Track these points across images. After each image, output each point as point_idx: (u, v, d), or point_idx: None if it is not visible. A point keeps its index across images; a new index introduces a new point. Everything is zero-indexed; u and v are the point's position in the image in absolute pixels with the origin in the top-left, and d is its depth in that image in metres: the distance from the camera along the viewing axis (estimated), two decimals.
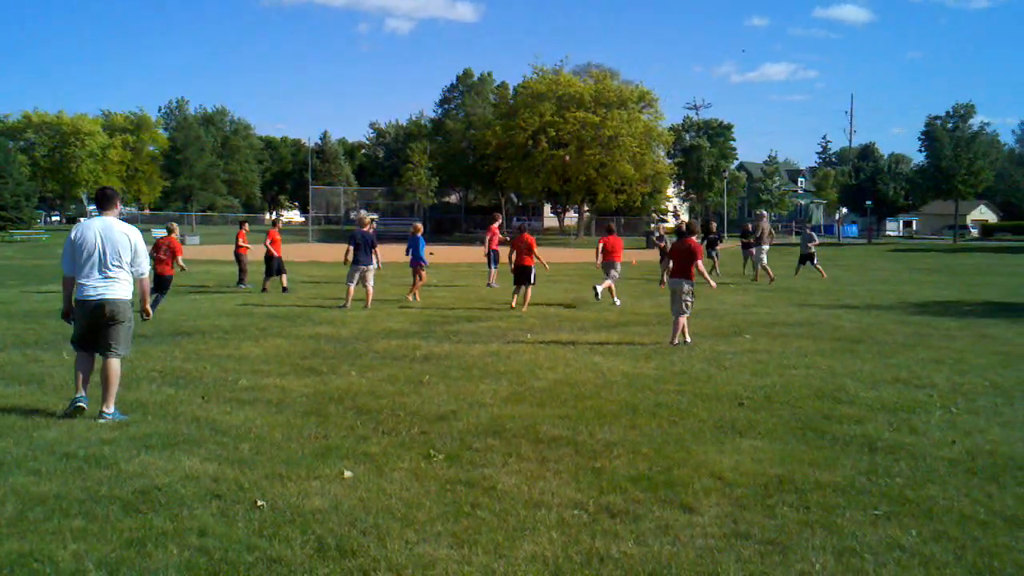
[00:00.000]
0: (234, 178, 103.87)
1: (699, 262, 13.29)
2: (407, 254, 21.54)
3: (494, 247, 25.40)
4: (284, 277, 22.63)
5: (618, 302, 19.44)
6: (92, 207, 59.45)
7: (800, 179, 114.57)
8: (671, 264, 13.55)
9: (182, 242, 25.16)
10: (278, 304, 19.02)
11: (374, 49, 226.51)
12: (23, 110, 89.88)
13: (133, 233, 8.26)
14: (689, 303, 13.35)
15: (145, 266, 8.34)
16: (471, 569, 4.68)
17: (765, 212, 33.71)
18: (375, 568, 4.68)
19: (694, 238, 13.77)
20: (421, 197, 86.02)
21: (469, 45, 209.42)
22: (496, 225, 26.13)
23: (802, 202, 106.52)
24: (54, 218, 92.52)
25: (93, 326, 8.15)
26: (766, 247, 28.63)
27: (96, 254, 8.03)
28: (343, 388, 9.60)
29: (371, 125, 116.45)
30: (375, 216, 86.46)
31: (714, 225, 32.16)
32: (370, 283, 18.58)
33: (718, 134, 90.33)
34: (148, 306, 8.74)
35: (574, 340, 13.63)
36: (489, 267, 25.45)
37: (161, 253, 18.03)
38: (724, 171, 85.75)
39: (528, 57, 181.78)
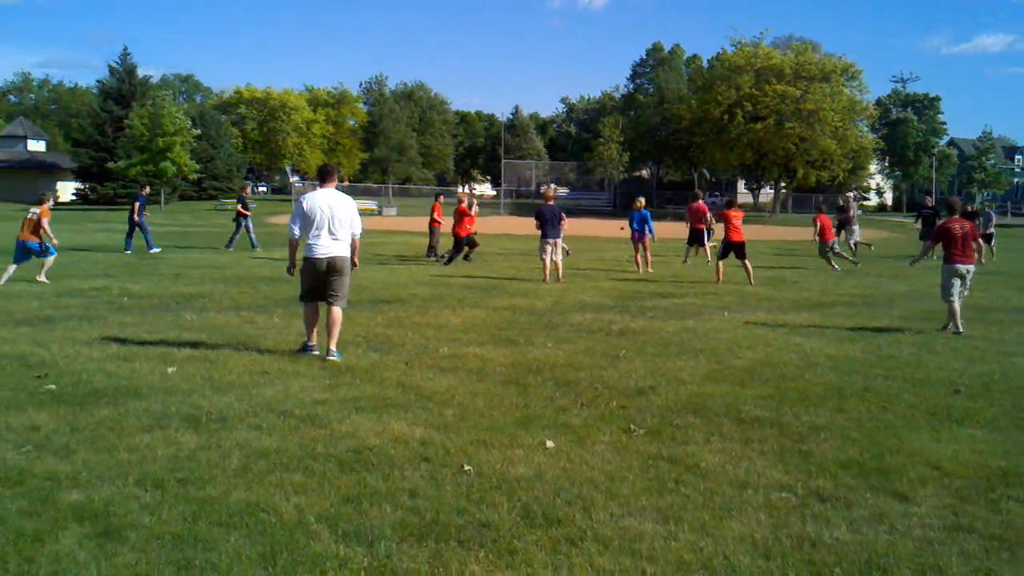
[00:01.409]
0: (429, 151, 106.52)
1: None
2: (631, 227, 22.32)
3: (699, 226, 24.71)
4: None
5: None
6: (295, 178, 62.90)
7: (1017, 156, 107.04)
8: (960, 246, 12.29)
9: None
10: (472, 275, 19.41)
11: (567, 24, 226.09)
12: (236, 85, 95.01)
13: (350, 202, 9.75)
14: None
15: (359, 228, 9.82)
16: (678, 545, 4.63)
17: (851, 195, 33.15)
18: (582, 538, 4.70)
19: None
20: (612, 172, 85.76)
21: (664, 18, 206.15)
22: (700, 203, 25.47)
23: (1019, 181, 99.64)
24: (260, 188, 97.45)
25: (322, 280, 9.55)
26: (856, 227, 29.19)
27: (324, 219, 9.45)
28: (541, 359, 9.70)
29: (562, 100, 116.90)
30: (558, 188, 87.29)
31: (929, 201, 31.03)
32: (559, 256, 18.71)
33: (925, 107, 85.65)
34: (356, 259, 10.07)
35: (773, 320, 13.27)
36: (691, 245, 25.07)
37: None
38: (933, 147, 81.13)
39: (724, 30, 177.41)
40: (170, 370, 8.62)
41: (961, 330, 12.05)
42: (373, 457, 6.02)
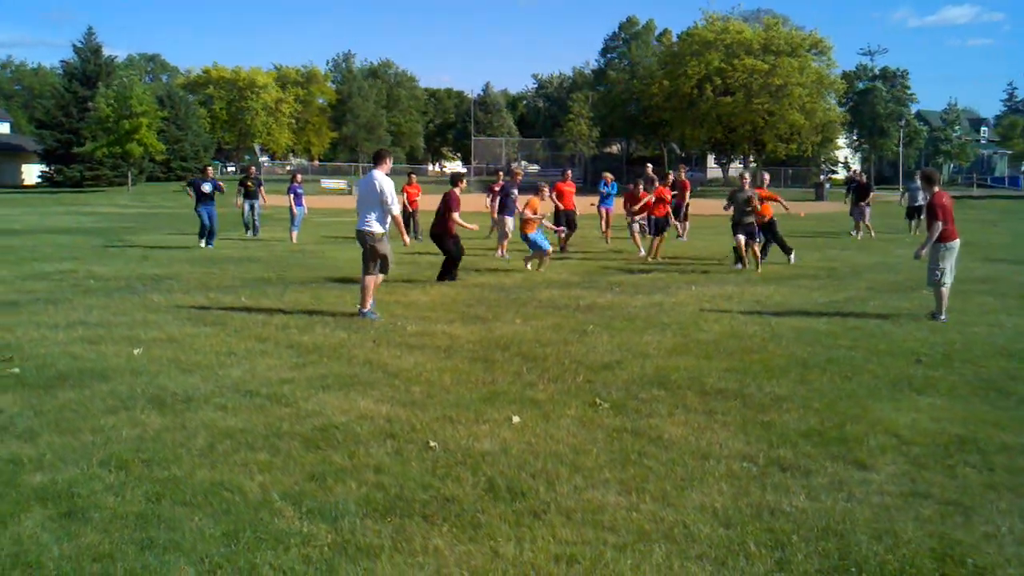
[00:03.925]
0: (399, 129, 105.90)
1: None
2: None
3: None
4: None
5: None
6: (265, 158, 62.31)
7: (983, 128, 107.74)
8: (947, 223, 11.09)
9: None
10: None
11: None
12: (204, 65, 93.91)
13: (388, 184, 10.75)
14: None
15: (396, 207, 10.80)
16: (640, 516, 4.69)
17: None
18: (545, 510, 4.75)
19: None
20: (582, 148, 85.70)
21: None
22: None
23: (985, 152, 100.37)
24: (230, 168, 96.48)
25: (363, 250, 10.94)
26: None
27: (368, 198, 10.76)
28: (508, 336, 9.73)
29: (533, 76, 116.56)
30: (527, 165, 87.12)
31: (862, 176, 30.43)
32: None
33: (893, 81, 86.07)
34: (406, 236, 11.75)
35: (739, 294, 13.37)
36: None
37: None
38: (901, 118, 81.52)
39: (698, 2, 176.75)
40: (136, 352, 8.59)
41: (945, 317, 11.03)
42: (339, 434, 6.04)
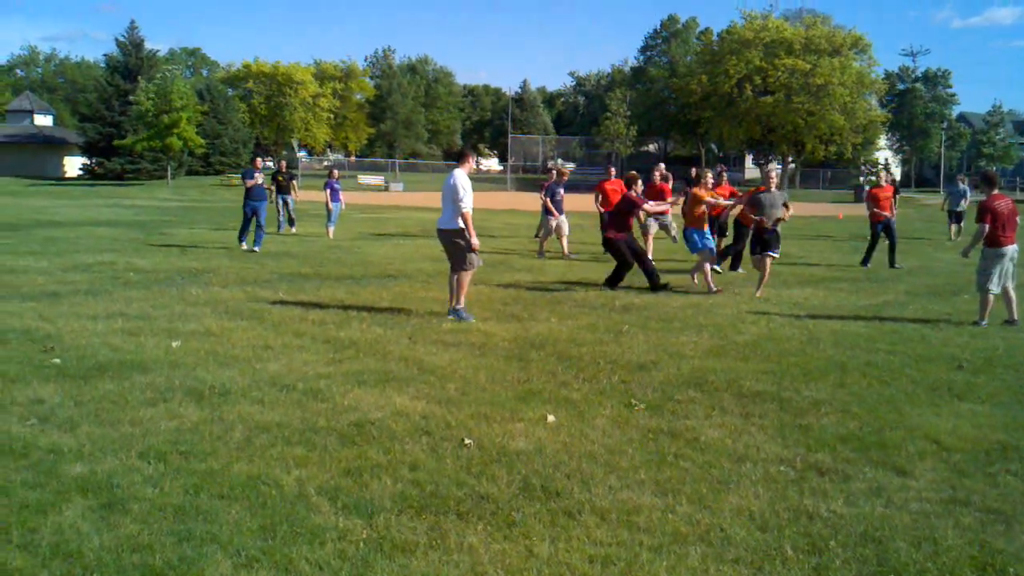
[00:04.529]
0: (436, 127, 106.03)
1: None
2: None
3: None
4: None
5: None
6: (303, 153, 61.92)
7: None
8: (996, 227, 10.88)
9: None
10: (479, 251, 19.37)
11: None
12: (243, 59, 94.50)
13: (466, 182, 10.66)
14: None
15: (467, 204, 10.54)
16: (675, 518, 4.66)
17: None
18: (580, 510, 4.74)
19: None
20: (619, 147, 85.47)
21: None
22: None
23: None
24: (268, 163, 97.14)
25: (445, 248, 10.93)
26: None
27: (445, 196, 10.72)
28: (544, 334, 9.72)
29: (571, 73, 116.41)
30: (565, 163, 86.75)
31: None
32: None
33: (936, 82, 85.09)
34: (474, 239, 10.82)
35: (776, 295, 13.26)
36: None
37: None
38: (944, 120, 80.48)
39: (734, 2, 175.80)
40: (174, 344, 8.67)
41: (985, 323, 10.90)
42: (375, 431, 6.06)
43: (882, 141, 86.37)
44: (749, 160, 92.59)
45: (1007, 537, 4.54)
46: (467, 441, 5.85)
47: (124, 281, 13.36)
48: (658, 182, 18.06)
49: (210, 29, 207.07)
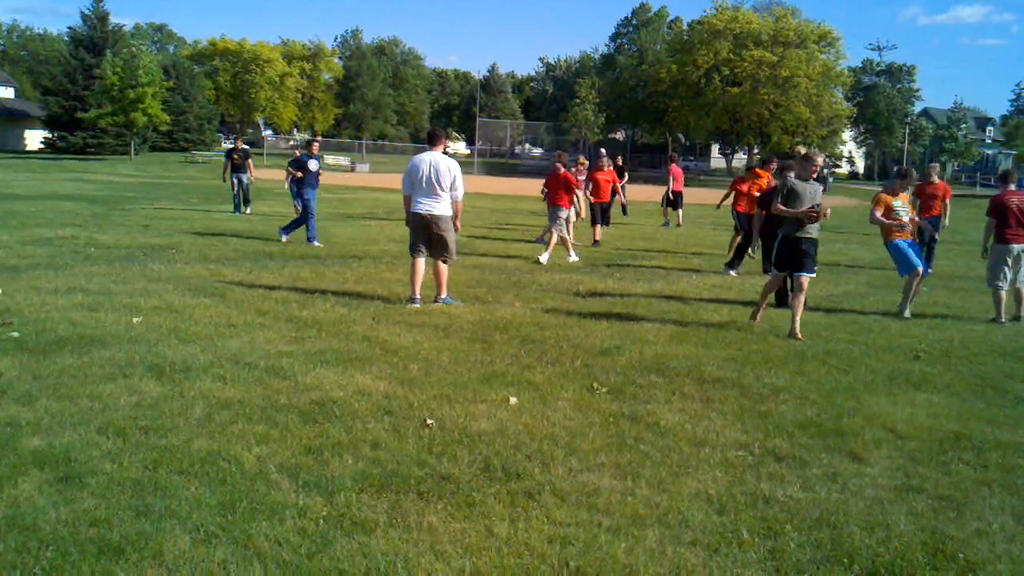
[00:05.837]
0: (404, 108, 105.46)
1: None
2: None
3: (678, 188, 25.17)
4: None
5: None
6: (268, 132, 60.97)
7: (988, 128, 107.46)
8: (1003, 223, 10.90)
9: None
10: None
11: None
12: (210, 37, 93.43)
13: (453, 166, 10.29)
14: None
15: (461, 191, 10.30)
16: (634, 500, 4.70)
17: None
18: (539, 491, 4.77)
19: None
20: (587, 133, 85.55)
21: None
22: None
23: (989, 152, 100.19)
24: (226, 143, 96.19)
25: (424, 235, 10.29)
26: None
27: (425, 179, 10.11)
28: (507, 318, 9.74)
29: (541, 59, 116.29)
30: (532, 149, 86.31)
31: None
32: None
33: (899, 78, 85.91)
34: (459, 222, 10.60)
35: (740, 284, 13.38)
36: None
37: None
38: (907, 116, 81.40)
39: None
40: (135, 320, 8.60)
41: (1003, 319, 10.88)
42: (336, 409, 6.05)
43: (847, 134, 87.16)
44: (715, 149, 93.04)
45: (958, 524, 4.63)
46: (429, 421, 5.86)
47: (85, 256, 13.20)
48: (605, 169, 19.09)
49: (177, 5, 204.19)
